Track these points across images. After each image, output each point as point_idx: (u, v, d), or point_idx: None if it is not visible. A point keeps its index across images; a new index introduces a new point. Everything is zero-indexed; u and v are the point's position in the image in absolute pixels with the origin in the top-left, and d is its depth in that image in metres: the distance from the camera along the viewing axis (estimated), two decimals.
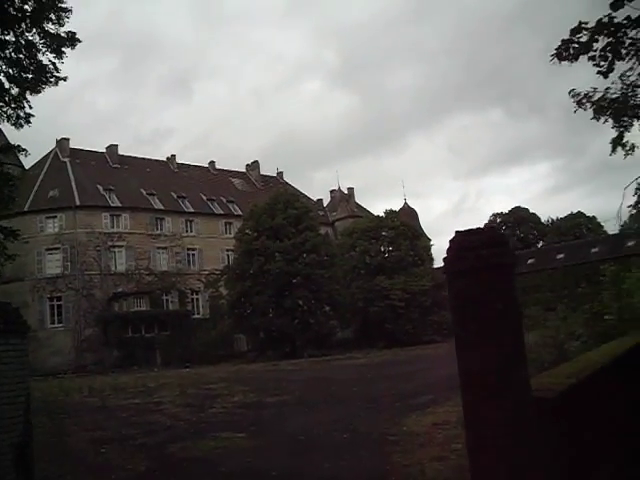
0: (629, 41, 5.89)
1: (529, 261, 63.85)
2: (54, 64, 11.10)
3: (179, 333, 51.39)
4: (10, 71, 11.26)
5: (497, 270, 4.60)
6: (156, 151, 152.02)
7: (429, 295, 50.69)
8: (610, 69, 6.14)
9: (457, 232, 5.01)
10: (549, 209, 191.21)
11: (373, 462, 8.01)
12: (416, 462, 7.52)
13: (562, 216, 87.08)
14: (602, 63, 6.09)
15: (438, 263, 61.28)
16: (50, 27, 10.86)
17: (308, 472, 7.93)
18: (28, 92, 11.28)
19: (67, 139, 58.99)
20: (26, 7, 10.62)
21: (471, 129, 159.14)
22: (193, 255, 59.47)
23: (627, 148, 9.12)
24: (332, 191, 79.76)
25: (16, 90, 11.30)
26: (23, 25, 10.73)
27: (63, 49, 11.03)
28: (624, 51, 5.95)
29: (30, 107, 11.73)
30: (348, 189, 78.80)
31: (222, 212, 63.16)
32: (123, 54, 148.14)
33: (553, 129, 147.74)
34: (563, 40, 5.96)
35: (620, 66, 6.46)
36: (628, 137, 8.83)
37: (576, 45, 5.91)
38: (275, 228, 47.46)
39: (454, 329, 4.79)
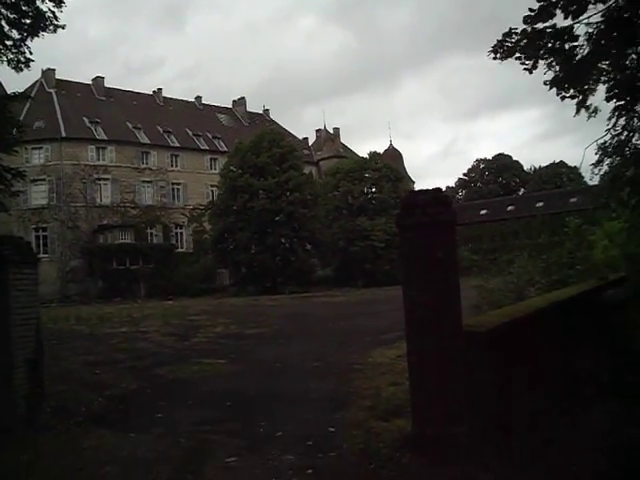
0: (549, 45, 6.81)
1: (509, 208, 65.10)
2: (53, 13, 11.59)
3: (163, 266, 52.46)
4: (9, 15, 11.75)
5: (439, 225, 5.63)
6: (144, 82, 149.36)
7: None
8: (534, 67, 7.03)
9: (409, 192, 5.95)
10: (539, 156, 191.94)
11: (338, 385, 9.10)
12: (375, 386, 8.63)
13: (545, 165, 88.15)
14: (527, 62, 6.98)
15: None
16: None
17: (281, 392, 9.01)
18: (29, 38, 11.85)
19: (53, 70, 58.36)
20: None
21: (464, 72, 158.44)
22: (178, 190, 60.04)
23: (590, 110, 9.88)
24: (318, 130, 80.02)
25: (17, 35, 11.84)
26: None
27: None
28: (543, 52, 6.87)
29: (30, 52, 12.29)
30: (334, 129, 79.06)
31: (207, 148, 63.47)
32: None
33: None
34: (498, 40, 6.83)
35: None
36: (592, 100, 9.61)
37: (508, 45, 6.80)
38: (260, 166, 48.04)
39: (402, 271, 5.81)
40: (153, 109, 63.72)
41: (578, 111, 9.37)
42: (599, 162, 13.67)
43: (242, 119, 73.73)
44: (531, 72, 7.06)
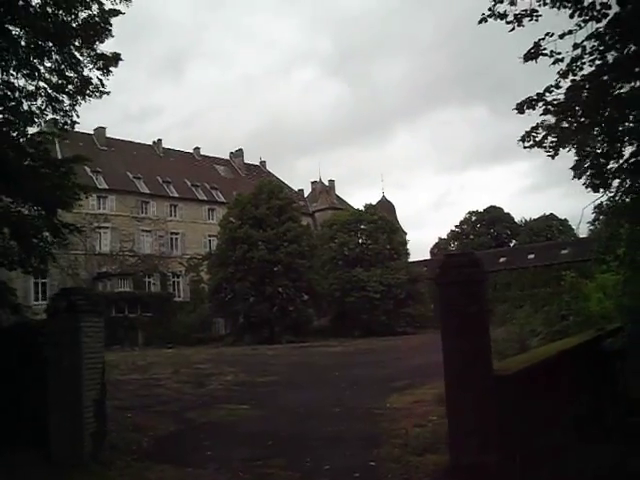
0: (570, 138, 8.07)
1: (501, 259, 66.20)
2: (101, 80, 12.59)
3: (160, 315, 52.94)
4: (52, 79, 12.73)
5: (472, 283, 6.56)
6: (143, 130, 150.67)
7: (404, 288, 52.82)
8: (556, 154, 8.23)
9: (445, 255, 6.90)
10: (526, 208, 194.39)
11: (366, 427, 9.88)
12: (401, 428, 9.41)
13: (535, 217, 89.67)
14: (550, 150, 8.19)
15: (414, 257, 63.55)
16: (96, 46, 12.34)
17: (313, 433, 9.77)
18: (77, 105, 12.85)
19: (55, 119, 59.61)
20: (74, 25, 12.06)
21: (455, 124, 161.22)
22: (176, 239, 61.05)
23: (574, 174, 10.83)
24: (313, 182, 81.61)
25: (67, 101, 12.87)
26: (76, 42, 12.23)
27: (110, 68, 12.51)
28: (566, 143, 8.13)
29: (77, 116, 13.32)
30: (329, 181, 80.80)
31: (205, 198, 64.71)
32: (117, 29, 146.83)
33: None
34: (526, 131, 8.15)
35: None
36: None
37: (535, 137, 8.10)
38: (259, 217, 49.06)
39: (442, 323, 6.72)
40: (153, 159, 65.09)
41: (575, 176, 10.35)
42: (595, 220, 14.71)
43: (239, 170, 75.31)
44: (553, 158, 8.24)
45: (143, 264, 56.95)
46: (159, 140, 69.55)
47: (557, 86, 8.03)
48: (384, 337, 45.06)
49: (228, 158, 77.06)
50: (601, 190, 8.94)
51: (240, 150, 77.55)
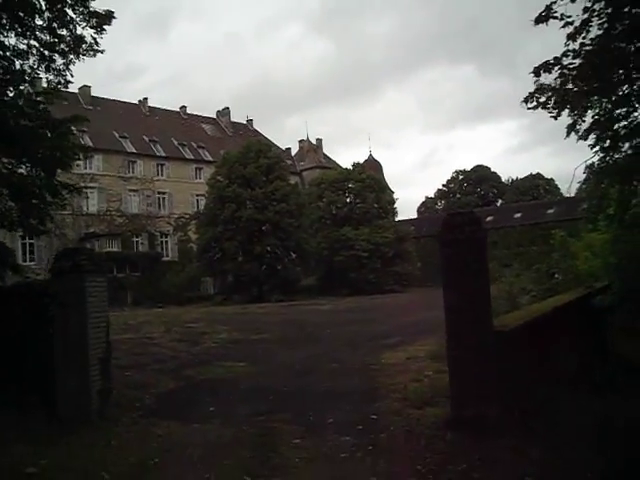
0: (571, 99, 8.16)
1: (488, 218, 66.52)
2: (95, 39, 12.42)
3: (149, 274, 53.12)
4: (43, 38, 12.55)
5: (473, 241, 6.71)
6: (128, 89, 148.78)
7: (391, 247, 53.15)
8: (559, 115, 8.33)
9: (448, 214, 7.04)
10: (513, 167, 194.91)
11: (363, 382, 10.13)
12: (398, 382, 9.67)
13: (522, 176, 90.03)
14: (553, 111, 8.26)
15: (401, 216, 63.78)
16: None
17: (312, 388, 10.01)
18: (71, 64, 12.70)
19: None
20: None
21: (442, 83, 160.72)
22: (163, 199, 60.93)
23: (580, 134, 10.92)
24: (301, 141, 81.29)
25: (61, 60, 12.70)
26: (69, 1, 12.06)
27: (104, 26, 12.34)
28: (569, 104, 8.23)
29: (72, 75, 13.13)
30: (316, 140, 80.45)
31: (192, 157, 64.46)
32: None
33: (523, 88, 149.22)
34: (530, 93, 8.23)
35: None
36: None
37: (539, 98, 8.18)
38: (247, 176, 48.95)
39: (443, 280, 6.88)
40: (139, 118, 64.51)
41: (568, 134, 10.41)
42: (586, 180, 14.86)
43: (226, 129, 74.82)
44: (556, 119, 8.36)
45: (131, 224, 56.84)
46: (145, 99, 68.94)
47: (574, 51, 8.16)
48: (372, 295, 45.43)
49: (215, 117, 76.51)
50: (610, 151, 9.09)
51: (227, 108, 76.94)
